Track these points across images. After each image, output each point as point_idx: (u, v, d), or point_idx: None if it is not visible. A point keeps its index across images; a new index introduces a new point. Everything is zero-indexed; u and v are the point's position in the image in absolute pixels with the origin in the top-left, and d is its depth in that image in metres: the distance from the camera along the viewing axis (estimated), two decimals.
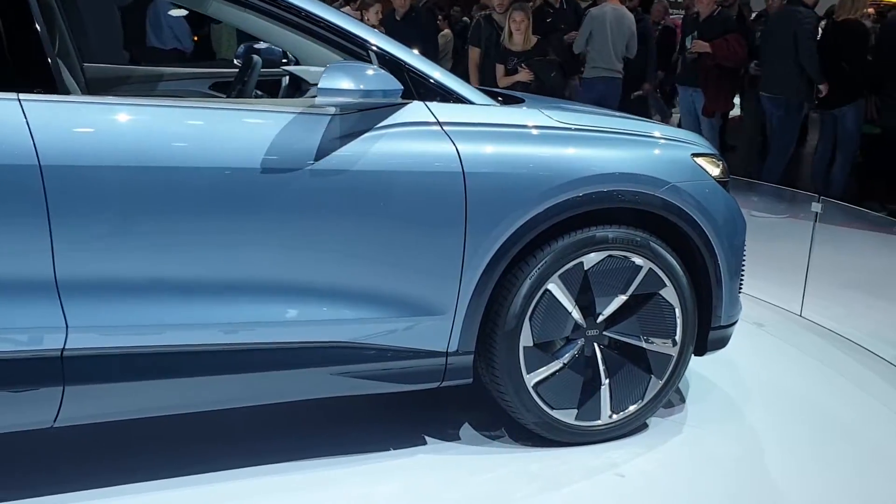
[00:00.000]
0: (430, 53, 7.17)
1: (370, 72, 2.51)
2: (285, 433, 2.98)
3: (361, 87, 2.46)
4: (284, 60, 4.09)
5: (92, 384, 2.38)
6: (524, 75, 6.41)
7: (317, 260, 2.54)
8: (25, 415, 2.37)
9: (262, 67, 3.65)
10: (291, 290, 2.53)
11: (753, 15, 9.33)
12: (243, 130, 2.47)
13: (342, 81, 2.44)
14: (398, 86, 2.56)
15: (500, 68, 6.54)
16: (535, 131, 2.79)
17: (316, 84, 3.39)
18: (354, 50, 2.68)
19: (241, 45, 4.27)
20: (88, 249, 2.31)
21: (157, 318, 2.40)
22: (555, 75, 6.24)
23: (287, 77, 3.71)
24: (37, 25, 2.32)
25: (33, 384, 2.33)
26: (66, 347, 2.32)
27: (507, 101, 3.01)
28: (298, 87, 3.58)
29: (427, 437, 3.00)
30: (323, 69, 3.57)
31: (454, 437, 3.02)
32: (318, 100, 2.47)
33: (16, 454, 2.75)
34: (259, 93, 3.52)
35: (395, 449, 2.91)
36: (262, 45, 4.05)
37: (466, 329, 2.72)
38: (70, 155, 2.26)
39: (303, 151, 2.49)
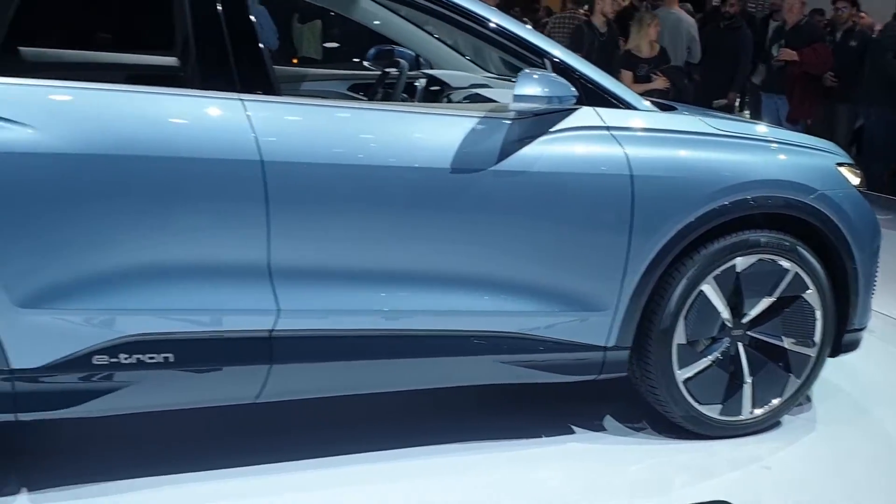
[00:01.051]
0: None
1: (554, 79, 2.66)
2: (435, 419, 3.15)
3: (548, 93, 2.62)
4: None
5: (296, 363, 2.56)
6: (661, 83, 6.36)
7: (494, 255, 2.70)
8: (233, 389, 2.56)
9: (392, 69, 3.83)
10: (470, 283, 2.69)
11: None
12: (436, 133, 2.64)
13: (534, 88, 2.59)
14: (574, 92, 2.71)
15: (627, 75, 6.49)
16: (696, 137, 2.93)
17: (458, 88, 3.59)
18: (529, 57, 2.83)
19: (373, 48, 4.46)
20: (300, 239, 2.49)
21: (356, 304, 2.58)
22: (688, 83, 6.27)
23: (424, 80, 3.87)
24: (256, 30, 2.51)
25: (243, 361, 2.52)
26: (275, 328, 2.51)
27: (661, 107, 3.14)
28: (436, 91, 3.75)
29: (574, 427, 3.15)
30: (462, 74, 3.81)
31: (600, 428, 3.17)
32: (513, 105, 2.63)
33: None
34: (405, 96, 3.68)
35: (546, 437, 3.07)
36: (391, 48, 4.24)
37: (625, 325, 2.87)
38: (288, 152, 2.44)
39: (486, 154, 2.65)
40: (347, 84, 4.13)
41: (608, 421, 3.22)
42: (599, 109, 2.84)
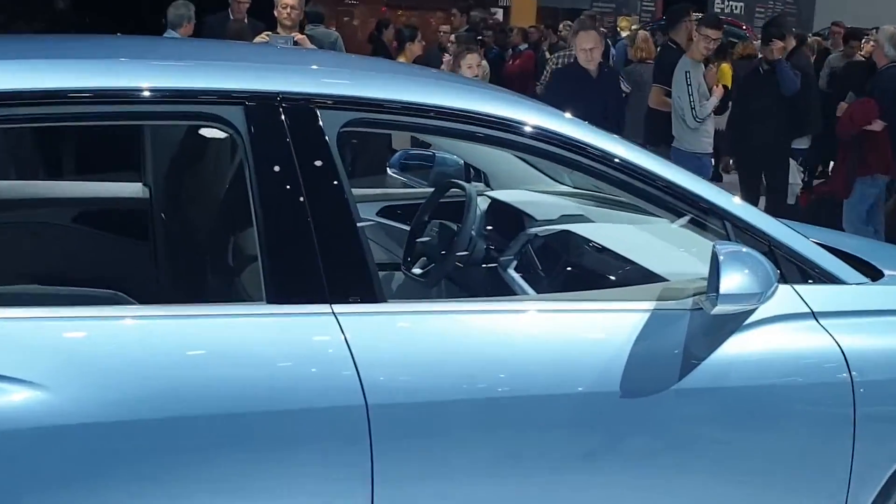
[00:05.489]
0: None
1: (761, 264, 1.88)
2: None
3: (760, 287, 1.86)
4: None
5: None
6: None
7: (684, 480, 1.99)
8: None
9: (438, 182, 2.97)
10: None
11: None
12: (598, 341, 1.88)
13: (744, 283, 1.83)
14: (777, 275, 1.95)
15: None
16: None
17: (544, 222, 2.75)
18: (704, 218, 2.06)
19: (399, 151, 3.56)
20: (409, 478, 1.79)
21: None
22: None
23: (486, 203, 3.02)
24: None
25: None
26: None
27: (862, 268, 2.34)
28: (505, 215, 2.91)
29: None
30: (540, 198, 2.95)
31: None
32: (719, 309, 1.85)
33: None
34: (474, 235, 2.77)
35: None
36: (430, 153, 3.37)
37: None
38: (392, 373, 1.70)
39: (664, 362, 1.92)
40: (375, 207, 3.18)
41: None
42: (799, 287, 2.06)
